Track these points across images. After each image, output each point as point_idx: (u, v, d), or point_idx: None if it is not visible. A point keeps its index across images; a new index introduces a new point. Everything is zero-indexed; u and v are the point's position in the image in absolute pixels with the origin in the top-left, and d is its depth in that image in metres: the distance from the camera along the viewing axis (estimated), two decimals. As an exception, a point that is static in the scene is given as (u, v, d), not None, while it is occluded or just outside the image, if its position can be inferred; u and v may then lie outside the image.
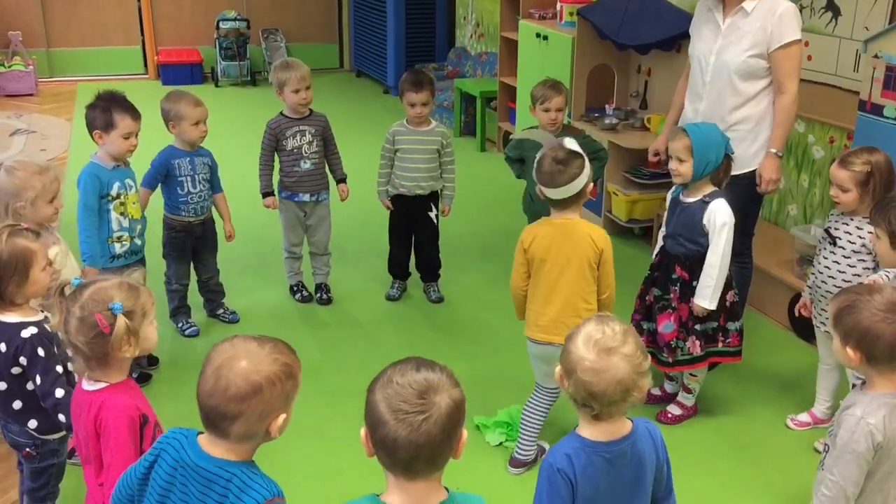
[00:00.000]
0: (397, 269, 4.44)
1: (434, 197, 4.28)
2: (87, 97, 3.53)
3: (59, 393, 2.33)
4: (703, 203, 3.11)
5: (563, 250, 2.84)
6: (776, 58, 3.36)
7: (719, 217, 3.08)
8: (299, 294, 4.37)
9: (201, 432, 1.69)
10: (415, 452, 1.48)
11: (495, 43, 7.32)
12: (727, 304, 3.19)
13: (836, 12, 4.18)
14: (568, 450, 1.82)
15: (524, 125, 5.98)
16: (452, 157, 4.25)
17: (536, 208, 4.07)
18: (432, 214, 4.29)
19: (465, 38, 8.62)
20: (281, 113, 4.13)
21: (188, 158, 3.77)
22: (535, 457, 3.10)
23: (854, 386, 3.16)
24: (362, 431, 1.54)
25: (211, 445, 1.66)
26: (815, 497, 2.16)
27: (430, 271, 4.43)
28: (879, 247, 2.68)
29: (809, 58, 4.32)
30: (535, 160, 2.91)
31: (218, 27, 9.46)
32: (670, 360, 3.22)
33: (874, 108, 3.39)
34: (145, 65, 9.88)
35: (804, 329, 3.99)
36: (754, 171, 3.47)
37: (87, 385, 1.98)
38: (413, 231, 4.35)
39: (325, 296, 4.35)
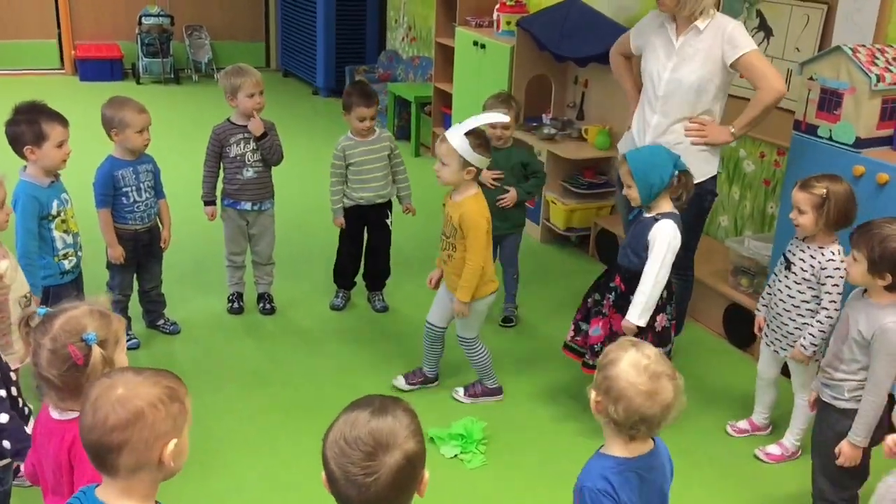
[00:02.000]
0: (343, 280, 4.40)
1: (389, 203, 4.28)
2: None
3: (3, 418, 2.23)
4: (654, 220, 3.18)
5: (485, 213, 3.35)
6: (742, 67, 3.46)
7: (662, 237, 3.13)
8: (230, 305, 4.27)
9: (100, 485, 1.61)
10: None
11: (428, 47, 7.32)
12: (657, 327, 3.23)
13: (769, 33, 4.35)
14: (602, 471, 1.87)
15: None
16: (402, 158, 4.27)
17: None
18: (389, 221, 4.28)
19: (397, 41, 8.59)
20: (228, 119, 4.05)
21: (131, 168, 3.65)
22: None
23: (797, 406, 3.28)
24: (322, 475, 1.52)
25: (105, 496, 1.57)
26: None
27: (379, 279, 4.41)
28: (855, 269, 2.60)
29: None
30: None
31: (140, 22, 9.20)
32: (591, 362, 3.29)
33: (809, 129, 3.53)
34: (62, 59, 9.53)
35: (738, 337, 4.15)
36: (700, 184, 3.52)
37: (57, 414, 1.89)
38: (368, 239, 4.33)
39: (267, 305, 4.28)
